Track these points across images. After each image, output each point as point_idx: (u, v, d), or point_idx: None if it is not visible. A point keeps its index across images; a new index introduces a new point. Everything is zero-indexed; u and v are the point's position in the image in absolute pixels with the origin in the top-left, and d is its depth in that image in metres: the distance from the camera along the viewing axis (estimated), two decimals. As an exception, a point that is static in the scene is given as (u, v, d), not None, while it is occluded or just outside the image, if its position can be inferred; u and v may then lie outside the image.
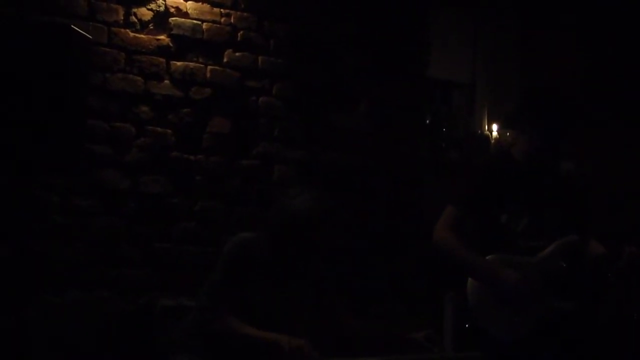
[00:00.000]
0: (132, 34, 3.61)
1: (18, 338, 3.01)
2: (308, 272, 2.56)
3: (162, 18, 3.66)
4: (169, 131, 3.68)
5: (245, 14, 3.86)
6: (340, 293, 2.73)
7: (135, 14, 3.61)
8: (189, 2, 3.72)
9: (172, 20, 3.68)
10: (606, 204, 3.30)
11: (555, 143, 2.68)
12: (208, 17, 3.77)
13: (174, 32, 3.69)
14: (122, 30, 3.59)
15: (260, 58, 3.90)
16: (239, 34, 3.85)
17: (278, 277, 2.51)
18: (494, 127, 4.55)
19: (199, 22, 3.75)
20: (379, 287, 4.03)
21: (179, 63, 3.71)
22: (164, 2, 3.67)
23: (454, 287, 2.79)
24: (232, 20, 3.83)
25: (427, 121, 4.45)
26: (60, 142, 2.55)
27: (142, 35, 3.63)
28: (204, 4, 3.76)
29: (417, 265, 4.06)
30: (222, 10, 3.81)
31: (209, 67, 3.78)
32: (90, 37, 2.98)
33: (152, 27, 3.65)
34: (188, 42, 3.72)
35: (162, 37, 3.67)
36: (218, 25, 3.80)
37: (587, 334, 3.06)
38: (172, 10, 3.68)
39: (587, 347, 3.09)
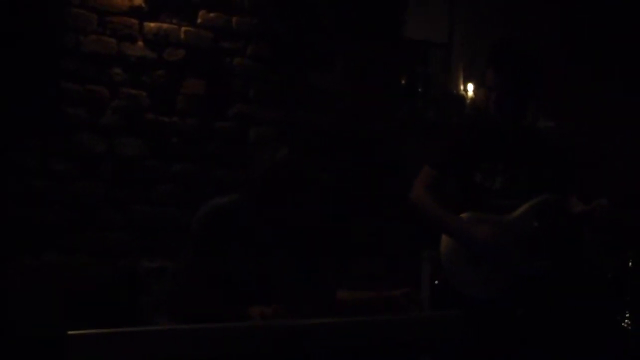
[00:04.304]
0: (104, -5, 3.55)
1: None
2: (291, 235, 2.42)
3: (134, -22, 3.60)
4: (143, 93, 3.65)
5: (218, -28, 3.81)
6: (321, 255, 2.70)
7: (106, -26, 3.55)
8: (162, -39, 3.66)
9: (145, -21, 3.62)
10: (585, 163, 3.33)
11: (522, 95, 2.65)
12: (181, -24, 3.72)
13: (147, -8, 3.63)
14: (94, -10, 3.53)
15: (234, 18, 3.86)
16: (212, -6, 3.80)
17: (258, 244, 2.36)
18: (469, 86, 4.56)
19: (172, -18, 3.70)
20: (358, 246, 4.06)
21: (152, 24, 3.66)
22: (135, -39, 3.61)
23: (432, 245, 2.82)
24: (205, -21, 3.78)
25: (403, 81, 4.45)
26: (35, 105, 2.53)
27: (115, -4, 3.57)
28: (177, -37, 3.70)
29: (395, 224, 4.10)
30: (195, -32, 3.75)
31: (183, 28, 3.73)
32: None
33: (124, -13, 3.59)
34: (161, 3, 3.66)
35: (134, -3, 3.61)
36: (191, -15, 3.74)
37: (561, 293, 3.11)
38: (144, -31, 3.62)
39: (561, 305, 3.14)
